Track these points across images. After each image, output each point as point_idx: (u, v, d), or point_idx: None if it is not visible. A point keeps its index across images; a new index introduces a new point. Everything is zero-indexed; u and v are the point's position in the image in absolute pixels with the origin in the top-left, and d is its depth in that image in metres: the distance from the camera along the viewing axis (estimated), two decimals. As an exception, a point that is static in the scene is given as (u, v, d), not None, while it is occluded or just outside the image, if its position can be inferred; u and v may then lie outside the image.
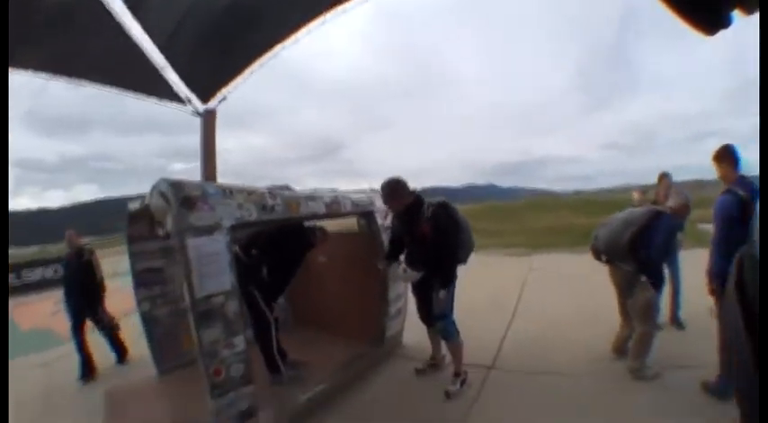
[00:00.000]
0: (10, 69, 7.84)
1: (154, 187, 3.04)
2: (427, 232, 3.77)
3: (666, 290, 4.62)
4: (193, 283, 2.73)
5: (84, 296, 5.42)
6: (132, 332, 6.56)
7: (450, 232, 3.80)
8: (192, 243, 2.75)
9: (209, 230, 2.86)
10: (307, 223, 4.46)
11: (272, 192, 3.51)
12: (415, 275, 3.98)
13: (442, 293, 3.81)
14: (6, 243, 3.48)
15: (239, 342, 2.98)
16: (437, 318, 3.94)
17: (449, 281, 3.87)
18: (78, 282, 5.39)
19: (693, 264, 4.22)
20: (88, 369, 5.29)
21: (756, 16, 0.71)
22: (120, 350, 5.73)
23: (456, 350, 4.01)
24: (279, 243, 4.10)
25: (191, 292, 2.73)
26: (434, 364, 4.40)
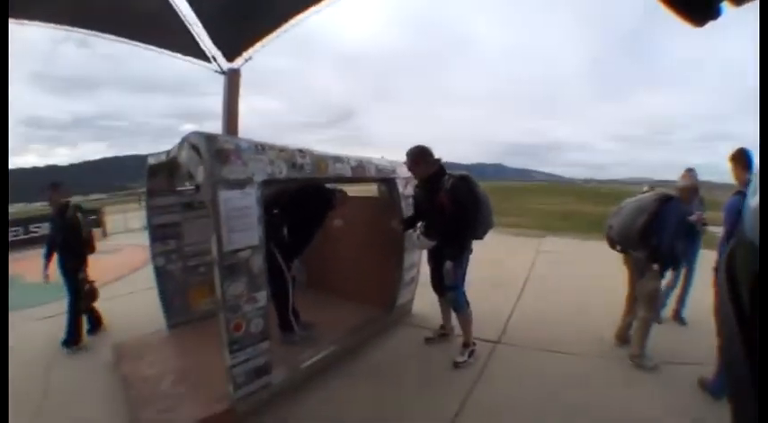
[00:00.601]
0: (28, 22, 7.83)
1: (184, 139, 3.04)
2: (445, 203, 3.78)
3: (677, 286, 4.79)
4: (222, 237, 2.76)
5: (68, 256, 4.87)
6: (122, 299, 6.67)
7: (467, 206, 3.80)
8: (224, 196, 2.76)
9: (240, 184, 2.86)
10: (328, 185, 4.48)
11: (302, 150, 3.52)
12: (429, 243, 4.02)
13: (449, 265, 3.85)
14: (6, 243, 3.50)
15: (261, 297, 3.04)
16: (448, 288, 3.99)
17: (458, 253, 3.91)
18: (62, 241, 4.87)
19: (704, 265, 4.29)
20: (76, 335, 4.84)
21: (748, 9, 0.69)
22: (93, 319, 5.23)
23: (465, 321, 4.07)
24: (301, 203, 4.13)
25: (219, 245, 2.75)
26: (444, 333, 4.47)
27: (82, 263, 4.90)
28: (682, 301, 4.85)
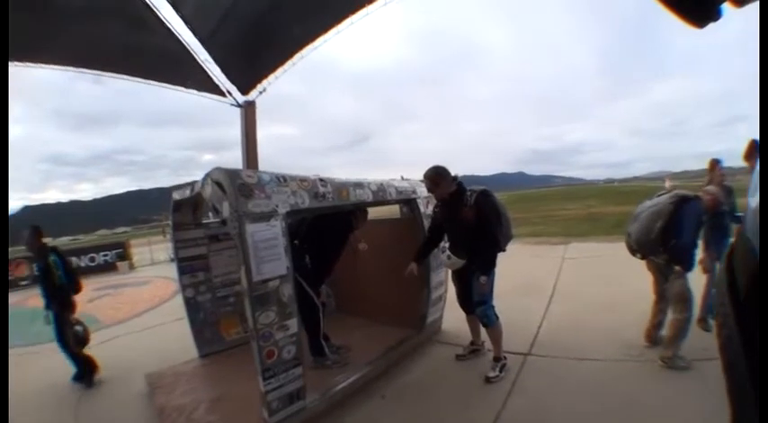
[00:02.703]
0: (40, 64, 8.09)
1: (207, 175, 3.14)
2: (470, 219, 3.84)
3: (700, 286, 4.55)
4: (251, 268, 2.83)
5: (51, 299, 4.67)
6: (152, 331, 6.78)
7: (492, 219, 3.86)
8: (250, 229, 2.84)
9: (266, 217, 2.95)
10: None
11: (324, 179, 3.60)
12: (460, 262, 4.02)
13: (483, 279, 3.88)
14: (6, 243, 3.59)
15: (292, 325, 3.10)
16: (478, 303, 3.98)
17: (490, 267, 3.94)
18: (42, 285, 4.72)
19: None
20: (83, 369, 4.76)
21: (750, 9, 0.71)
22: (80, 366, 4.81)
23: (496, 336, 4.05)
24: (320, 231, 4.22)
25: (248, 276, 2.82)
26: (475, 349, 4.46)
27: (66, 306, 4.70)
28: (708, 304, 4.56)
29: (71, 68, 8.69)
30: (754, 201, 0.66)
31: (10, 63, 7.29)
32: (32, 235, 4.78)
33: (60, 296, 4.66)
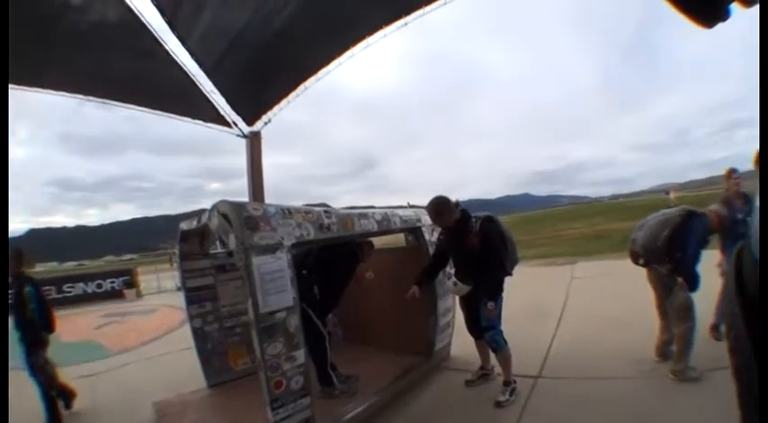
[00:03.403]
0: (48, 91, 8.27)
1: (214, 207, 3.19)
2: (476, 245, 3.91)
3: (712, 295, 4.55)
4: (258, 300, 2.86)
5: (23, 333, 4.39)
6: (158, 360, 6.77)
7: (498, 244, 3.94)
8: (257, 261, 2.88)
9: (271, 249, 2.99)
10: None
11: (328, 211, 3.65)
12: (466, 288, 4.03)
13: (490, 304, 3.92)
14: (6, 244, 3.57)
15: (299, 355, 3.10)
16: (486, 329, 3.99)
17: (497, 292, 3.99)
18: (16, 317, 4.37)
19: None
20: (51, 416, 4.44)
21: (751, 10, 0.70)
22: (51, 409, 4.47)
23: (505, 360, 4.05)
24: (327, 263, 4.25)
25: (255, 308, 2.85)
26: (484, 374, 4.43)
27: (36, 344, 4.43)
28: (721, 312, 4.71)
29: (79, 96, 8.86)
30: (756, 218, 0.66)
31: (18, 87, 7.50)
32: (14, 259, 4.45)
33: (31, 331, 4.40)
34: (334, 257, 4.26)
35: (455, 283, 4.12)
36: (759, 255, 0.62)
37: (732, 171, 4.78)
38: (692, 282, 3.73)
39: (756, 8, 0.69)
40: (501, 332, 4.02)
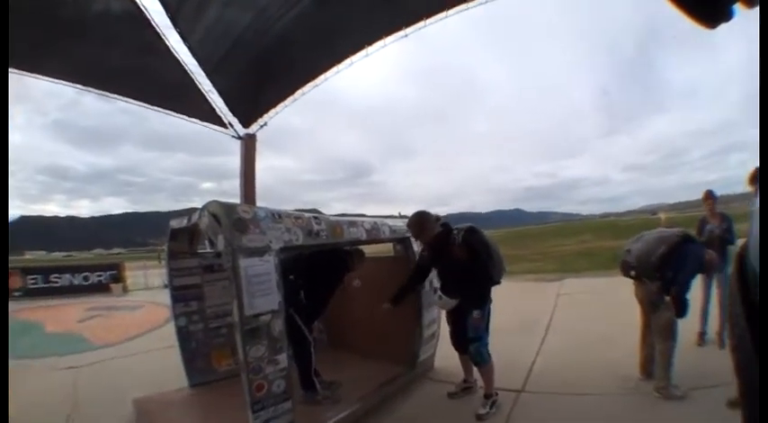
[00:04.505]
0: (47, 78, 8.23)
1: (204, 208, 3.19)
2: (460, 257, 3.93)
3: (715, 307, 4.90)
4: (243, 302, 2.86)
5: None
6: (142, 356, 6.75)
7: (482, 254, 3.95)
8: (244, 264, 2.89)
9: (259, 252, 3.00)
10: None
11: (318, 217, 3.66)
12: (452, 302, 4.06)
13: (476, 313, 3.89)
14: (6, 244, 3.54)
15: (282, 359, 3.10)
16: (472, 340, 3.96)
17: (483, 301, 3.98)
18: None
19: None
20: None
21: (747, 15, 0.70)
22: None
23: (487, 373, 4.03)
24: (316, 269, 4.22)
25: (240, 309, 2.85)
26: (467, 387, 4.42)
27: None
28: (723, 322, 4.83)
29: (78, 85, 8.82)
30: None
31: (17, 71, 7.45)
32: None
33: None
34: (322, 264, 4.25)
35: (440, 297, 4.14)
36: (759, 255, 0.63)
37: (709, 193, 5.07)
38: (682, 308, 3.77)
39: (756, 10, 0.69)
40: (486, 345, 4.01)
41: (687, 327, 4.03)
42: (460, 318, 4.07)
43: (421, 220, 4.12)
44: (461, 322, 4.06)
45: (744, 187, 3.77)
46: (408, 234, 4.67)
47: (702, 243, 4.32)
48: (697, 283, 4.48)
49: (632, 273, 4.13)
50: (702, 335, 5.05)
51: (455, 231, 4.07)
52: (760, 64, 0.67)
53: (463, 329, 4.04)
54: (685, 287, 3.74)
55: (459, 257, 3.94)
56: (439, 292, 4.16)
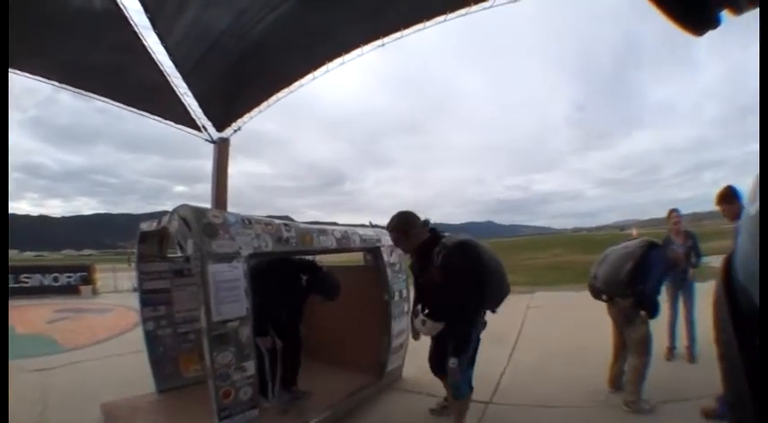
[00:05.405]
0: (23, 73, 8.04)
1: (174, 211, 3.17)
2: (435, 279, 3.21)
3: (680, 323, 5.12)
4: (211, 308, 2.85)
5: None
6: (110, 360, 6.62)
7: (462, 281, 3.15)
8: (213, 269, 2.88)
9: (228, 258, 3.00)
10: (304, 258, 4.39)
11: (288, 224, 3.64)
12: (437, 327, 3.29)
13: (453, 362, 3.25)
14: (6, 243, 3.49)
15: (249, 366, 3.09)
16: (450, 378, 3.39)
17: (463, 346, 3.31)
18: None
19: (703, 298, 4.45)
20: None
21: (748, 17, 0.69)
22: None
23: (460, 407, 3.51)
24: (264, 275, 3.82)
25: (208, 315, 2.84)
26: (446, 406, 4.06)
27: None
28: (691, 337, 5.02)
29: (54, 82, 8.66)
30: (753, 208, 0.65)
31: None
32: None
33: None
34: (274, 271, 4.01)
35: (423, 323, 3.35)
36: (759, 259, 0.61)
37: (672, 211, 5.21)
38: (653, 310, 3.84)
39: (745, 16, 0.69)
40: (469, 380, 3.42)
41: (656, 341, 4.09)
42: (441, 339, 3.42)
43: (405, 222, 3.40)
44: (442, 344, 3.43)
45: (713, 206, 3.88)
46: (379, 244, 4.63)
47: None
48: (663, 299, 4.59)
49: (603, 297, 4.16)
50: (672, 349, 5.16)
51: (441, 244, 3.28)
52: (760, 64, 0.66)
53: (442, 352, 3.42)
54: (656, 288, 3.83)
55: (433, 279, 3.22)
56: (421, 316, 3.35)
